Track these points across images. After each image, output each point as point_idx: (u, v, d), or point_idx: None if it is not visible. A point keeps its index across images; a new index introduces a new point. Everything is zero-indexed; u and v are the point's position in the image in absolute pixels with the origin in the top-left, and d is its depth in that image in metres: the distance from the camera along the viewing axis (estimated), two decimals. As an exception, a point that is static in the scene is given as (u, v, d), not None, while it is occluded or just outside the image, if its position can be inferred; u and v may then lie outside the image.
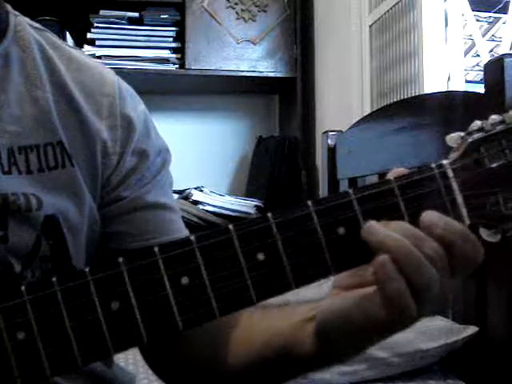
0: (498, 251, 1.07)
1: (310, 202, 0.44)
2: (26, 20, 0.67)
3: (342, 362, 0.54)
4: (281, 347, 0.55)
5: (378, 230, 0.44)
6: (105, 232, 0.67)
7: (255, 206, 2.41)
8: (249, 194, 2.64)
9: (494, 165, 0.44)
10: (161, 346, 0.66)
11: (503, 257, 1.08)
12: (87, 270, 0.44)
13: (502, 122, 0.44)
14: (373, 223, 0.44)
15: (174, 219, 0.70)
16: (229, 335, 0.62)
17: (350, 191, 0.45)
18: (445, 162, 0.45)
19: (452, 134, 0.45)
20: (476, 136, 0.44)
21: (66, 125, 0.64)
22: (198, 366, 0.66)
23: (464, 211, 0.45)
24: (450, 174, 0.45)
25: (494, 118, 0.44)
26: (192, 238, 0.44)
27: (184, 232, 0.70)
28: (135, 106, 0.70)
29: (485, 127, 0.44)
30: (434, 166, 0.45)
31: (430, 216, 0.44)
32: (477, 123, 0.44)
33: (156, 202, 0.68)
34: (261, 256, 0.44)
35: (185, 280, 0.43)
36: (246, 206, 2.40)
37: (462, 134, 0.45)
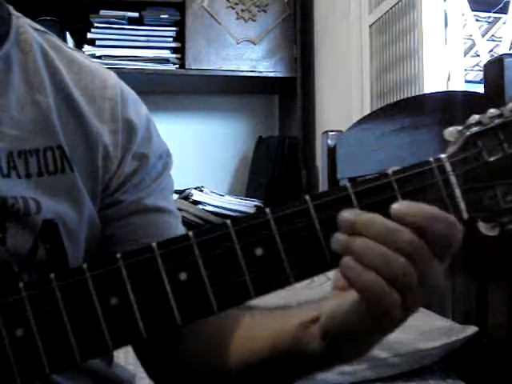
0: (499, 251, 1.07)
1: (307, 197, 0.44)
2: (27, 22, 0.67)
3: (350, 362, 0.53)
4: (285, 347, 0.55)
5: (339, 238, 0.44)
6: (103, 235, 0.66)
7: (255, 205, 2.41)
8: (249, 194, 2.64)
9: (491, 158, 0.44)
10: (158, 351, 0.66)
11: (503, 257, 1.08)
12: (85, 266, 0.44)
13: (500, 115, 0.44)
14: (335, 235, 0.44)
15: (173, 223, 0.69)
16: (228, 338, 0.62)
17: (349, 185, 0.45)
18: (443, 155, 0.45)
19: (450, 128, 0.45)
20: (474, 130, 0.44)
21: (67, 129, 0.63)
22: (197, 371, 0.65)
23: (462, 205, 0.45)
24: (448, 167, 0.45)
25: (492, 111, 0.44)
26: (190, 233, 0.44)
27: None
28: (137, 109, 0.69)
29: (483, 121, 0.44)
30: (431, 160, 0.45)
31: (398, 206, 0.44)
32: (474, 117, 0.44)
33: (155, 205, 0.68)
34: (259, 251, 0.44)
35: (183, 275, 0.43)
36: (245, 206, 2.40)
37: (460, 127, 0.45)
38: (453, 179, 0.45)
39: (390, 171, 0.45)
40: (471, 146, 0.45)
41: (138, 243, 0.65)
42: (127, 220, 0.66)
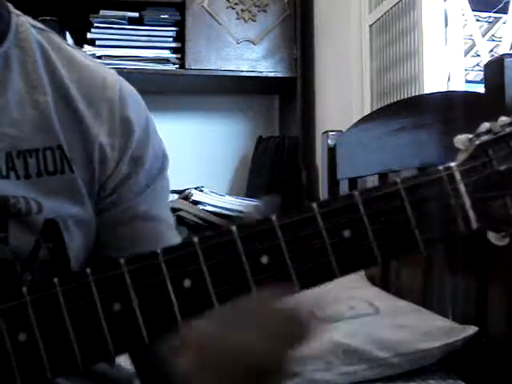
0: (498, 251, 1.07)
1: (314, 205, 0.44)
2: (28, 20, 0.66)
3: None
4: None
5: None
6: (97, 237, 0.66)
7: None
8: (249, 194, 2.63)
9: (502, 167, 0.44)
10: (152, 355, 0.65)
11: (503, 257, 1.08)
12: (88, 270, 0.44)
13: (511, 123, 0.43)
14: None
15: (165, 232, 0.69)
16: None
17: (356, 193, 0.44)
18: (452, 164, 0.44)
19: (460, 136, 0.44)
20: (484, 138, 0.44)
21: (66, 129, 0.63)
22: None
23: (472, 214, 0.44)
24: (458, 176, 0.44)
25: (503, 119, 0.43)
26: (195, 239, 0.44)
27: None
28: (136, 109, 0.69)
29: (493, 129, 0.43)
30: (441, 168, 0.44)
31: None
32: (485, 125, 0.44)
33: (148, 213, 0.67)
34: (264, 259, 0.43)
35: (187, 282, 0.43)
36: (245, 206, 2.39)
37: (470, 135, 0.44)
38: (462, 188, 0.44)
39: (398, 179, 0.44)
40: (481, 155, 0.44)
41: (130, 252, 0.64)
42: (121, 228, 0.66)
